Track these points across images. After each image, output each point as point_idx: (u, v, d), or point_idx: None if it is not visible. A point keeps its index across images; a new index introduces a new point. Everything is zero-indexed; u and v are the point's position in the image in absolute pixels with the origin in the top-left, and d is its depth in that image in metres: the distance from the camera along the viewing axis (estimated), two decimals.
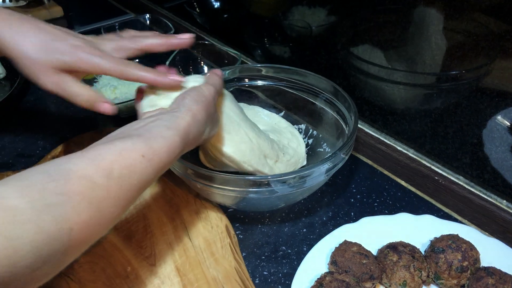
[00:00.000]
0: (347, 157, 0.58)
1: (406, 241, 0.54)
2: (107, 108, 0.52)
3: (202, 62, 0.91)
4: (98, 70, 0.49)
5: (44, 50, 0.48)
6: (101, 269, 0.53)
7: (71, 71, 0.50)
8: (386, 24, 0.74)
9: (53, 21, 1.20)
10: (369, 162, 0.71)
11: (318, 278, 0.49)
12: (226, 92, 0.60)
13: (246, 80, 0.74)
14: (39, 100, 0.90)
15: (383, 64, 0.72)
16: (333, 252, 0.52)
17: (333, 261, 0.51)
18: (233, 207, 0.60)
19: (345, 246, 0.52)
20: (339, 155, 0.56)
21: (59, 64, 0.48)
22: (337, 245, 0.53)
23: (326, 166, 0.55)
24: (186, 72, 0.87)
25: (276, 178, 0.54)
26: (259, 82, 0.74)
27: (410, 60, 0.68)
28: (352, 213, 0.62)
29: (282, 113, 0.74)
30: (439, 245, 0.51)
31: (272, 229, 0.61)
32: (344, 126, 0.64)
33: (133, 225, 0.58)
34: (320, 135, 0.69)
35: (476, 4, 0.57)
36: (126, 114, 0.82)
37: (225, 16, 1.17)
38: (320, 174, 0.55)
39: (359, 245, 0.53)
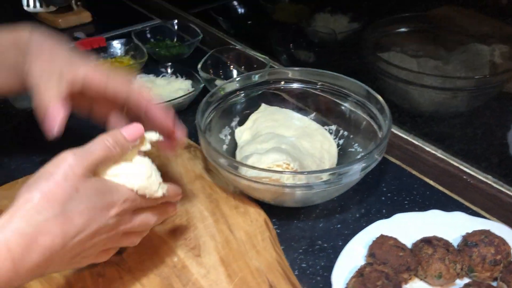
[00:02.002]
0: (380, 158, 0.61)
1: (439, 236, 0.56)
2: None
3: (231, 66, 0.94)
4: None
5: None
6: (149, 259, 0.55)
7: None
8: (416, 31, 0.77)
9: (81, 26, 1.25)
10: (398, 162, 0.74)
11: (358, 269, 0.51)
12: None
13: (276, 83, 0.77)
14: None
15: (412, 68, 0.75)
16: (370, 245, 0.55)
17: (371, 254, 0.54)
18: (271, 203, 0.63)
19: (382, 240, 0.55)
20: (373, 156, 0.59)
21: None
22: (374, 239, 0.56)
23: (361, 164, 0.58)
24: (216, 75, 0.90)
25: (314, 174, 0.57)
26: (289, 85, 0.77)
27: (440, 65, 0.71)
28: (384, 210, 0.65)
29: (312, 115, 0.77)
30: (472, 239, 0.54)
31: (307, 225, 0.63)
32: (375, 127, 0.67)
33: (177, 218, 0.61)
34: (351, 136, 0.72)
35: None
36: None
37: (249, 22, 1.21)
38: (355, 172, 0.58)
39: (395, 239, 0.55)
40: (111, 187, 0.43)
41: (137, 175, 0.46)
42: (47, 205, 0.37)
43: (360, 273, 0.50)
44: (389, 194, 0.68)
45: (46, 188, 0.38)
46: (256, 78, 0.76)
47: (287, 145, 0.68)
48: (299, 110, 0.77)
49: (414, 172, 0.72)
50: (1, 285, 0.34)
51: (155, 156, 0.72)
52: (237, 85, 0.74)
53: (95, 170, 0.43)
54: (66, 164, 0.40)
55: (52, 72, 0.50)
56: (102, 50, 1.01)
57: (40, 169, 0.40)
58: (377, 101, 0.67)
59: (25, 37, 0.54)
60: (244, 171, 0.58)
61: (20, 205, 0.37)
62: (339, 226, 0.63)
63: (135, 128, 0.46)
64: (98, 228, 0.41)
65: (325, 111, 0.75)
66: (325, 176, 0.57)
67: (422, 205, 0.66)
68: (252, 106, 0.77)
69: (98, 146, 0.42)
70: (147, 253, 0.56)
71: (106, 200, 0.41)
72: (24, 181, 0.64)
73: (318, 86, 0.74)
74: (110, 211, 0.42)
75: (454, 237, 0.58)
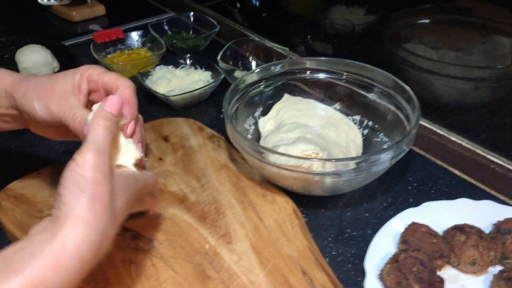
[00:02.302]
0: (407, 149, 0.60)
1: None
2: None
3: (250, 58, 0.94)
4: None
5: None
6: (180, 246, 0.55)
7: None
8: (435, 23, 0.77)
9: (95, 19, 1.24)
10: (422, 152, 0.73)
11: (392, 255, 0.51)
12: None
13: (298, 73, 0.77)
14: None
15: (435, 58, 0.75)
16: (403, 232, 0.55)
17: (404, 240, 0.54)
18: (299, 191, 0.63)
19: (414, 227, 0.55)
20: (401, 146, 0.59)
21: None
22: (405, 227, 0.56)
23: (391, 153, 0.58)
24: (235, 67, 0.90)
25: (344, 162, 0.57)
26: (312, 76, 0.76)
27: (461, 56, 0.71)
28: (411, 199, 0.65)
29: (335, 105, 0.76)
30: (505, 226, 0.54)
31: (335, 214, 0.63)
32: (402, 117, 0.66)
33: (205, 206, 0.61)
34: (376, 126, 0.71)
35: None
36: (181, 106, 0.85)
37: (264, 15, 1.20)
38: (385, 161, 0.58)
39: (427, 226, 0.55)
40: (130, 178, 0.44)
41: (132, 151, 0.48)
42: (103, 209, 0.37)
43: (394, 259, 0.50)
44: (415, 184, 0.68)
45: (95, 193, 0.37)
46: (278, 68, 0.76)
47: (312, 134, 0.68)
48: (322, 100, 0.77)
49: (439, 162, 0.71)
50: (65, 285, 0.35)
51: (179, 145, 0.72)
52: (260, 75, 0.74)
53: None
54: (96, 165, 0.38)
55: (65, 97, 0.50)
56: (119, 42, 1.01)
57: (68, 170, 0.38)
58: (404, 91, 0.66)
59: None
60: (274, 158, 0.57)
61: (79, 214, 0.36)
62: (367, 215, 0.63)
63: (112, 100, 0.46)
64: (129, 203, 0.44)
65: (349, 101, 0.75)
66: (355, 164, 0.57)
67: (449, 195, 0.65)
68: (274, 96, 0.77)
69: (100, 133, 0.42)
70: (178, 241, 0.56)
71: (134, 191, 0.44)
72: (50, 170, 0.65)
73: (343, 76, 0.73)
74: (137, 203, 0.47)
75: (484, 225, 0.57)
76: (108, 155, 0.41)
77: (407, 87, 0.66)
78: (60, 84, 0.50)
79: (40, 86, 0.50)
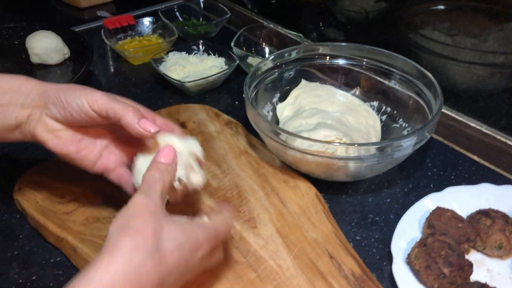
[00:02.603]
0: (429, 136, 0.60)
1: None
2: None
3: (263, 44, 0.93)
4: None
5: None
6: None
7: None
8: (450, 10, 0.76)
9: (103, 5, 1.23)
10: (440, 139, 0.73)
11: (420, 239, 0.51)
12: None
13: (316, 59, 0.76)
14: (105, 84, 0.93)
15: (449, 43, 0.74)
16: (428, 217, 0.55)
17: (430, 225, 0.54)
18: (320, 177, 0.62)
19: (440, 211, 0.55)
20: (423, 133, 0.58)
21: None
22: (430, 211, 0.56)
23: (414, 139, 0.57)
24: (249, 53, 0.89)
25: (368, 146, 0.57)
26: (331, 61, 0.76)
27: (477, 42, 0.70)
28: (432, 185, 0.65)
29: (353, 91, 0.76)
30: None
31: (356, 199, 0.63)
32: (422, 103, 0.66)
33: (227, 192, 0.61)
34: (395, 112, 0.71)
35: None
36: (195, 93, 0.84)
37: (274, 1, 1.19)
38: (408, 147, 0.58)
39: (452, 211, 0.55)
40: (194, 226, 0.42)
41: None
42: (143, 244, 0.36)
43: (423, 243, 0.50)
44: (434, 170, 0.68)
45: (136, 227, 0.37)
46: (294, 54, 0.75)
47: (332, 120, 0.67)
48: (339, 86, 0.76)
49: (457, 148, 0.71)
50: None
51: (198, 132, 0.72)
52: (276, 61, 0.73)
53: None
54: (143, 204, 0.39)
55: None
56: (130, 29, 1.00)
57: (118, 215, 0.39)
58: (424, 77, 0.66)
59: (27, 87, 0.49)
60: (298, 143, 0.57)
61: (118, 245, 0.36)
62: (388, 200, 0.63)
63: (167, 150, 0.45)
64: (187, 269, 0.40)
65: (367, 88, 0.74)
66: (377, 149, 0.57)
67: (469, 180, 0.66)
68: (292, 82, 0.76)
69: (154, 185, 0.42)
70: None
71: (192, 238, 0.40)
72: None
73: (362, 63, 0.73)
74: (198, 251, 0.41)
75: (508, 209, 0.57)
76: (160, 200, 0.41)
77: (428, 73, 0.66)
78: None
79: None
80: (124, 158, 0.52)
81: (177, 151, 0.46)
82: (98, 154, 0.51)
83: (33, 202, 0.58)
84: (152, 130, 0.46)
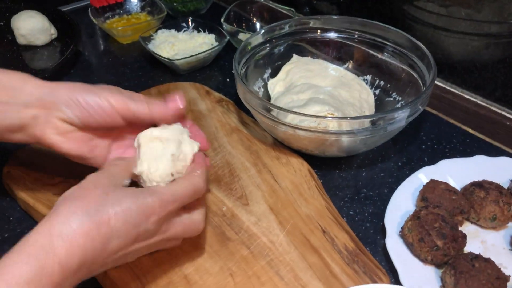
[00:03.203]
0: (422, 108, 0.59)
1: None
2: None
3: (254, 19, 0.91)
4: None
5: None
6: None
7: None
8: None
9: None
10: (435, 112, 0.72)
11: (414, 212, 0.51)
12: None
13: (307, 33, 0.75)
14: (94, 65, 0.91)
15: (443, 13, 0.72)
16: (421, 190, 0.54)
17: (424, 198, 0.53)
18: (313, 152, 0.62)
19: (433, 184, 0.54)
20: (416, 105, 0.57)
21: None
22: (423, 184, 0.55)
23: (407, 111, 0.57)
24: (239, 29, 0.87)
25: (361, 120, 0.56)
26: (321, 35, 0.74)
27: (471, 12, 0.68)
28: (426, 158, 0.64)
29: (345, 65, 0.75)
30: None
31: (350, 174, 0.63)
32: (415, 75, 0.65)
33: (219, 170, 0.60)
34: (388, 85, 0.70)
35: None
36: (185, 71, 0.83)
37: None
38: (401, 119, 0.57)
39: (446, 183, 0.55)
40: (145, 192, 0.40)
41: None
42: (81, 208, 0.37)
43: (416, 216, 0.50)
44: (428, 143, 0.67)
45: (78, 194, 0.38)
46: (286, 28, 0.73)
47: (325, 95, 0.66)
48: (332, 60, 0.75)
49: (452, 121, 0.70)
50: None
51: (188, 110, 0.71)
52: (266, 36, 0.72)
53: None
54: (92, 178, 0.41)
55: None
56: (118, 7, 0.98)
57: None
58: (418, 49, 0.65)
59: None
60: (289, 119, 0.56)
61: (58, 210, 0.37)
62: (382, 174, 0.62)
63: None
64: (137, 234, 0.39)
65: (360, 61, 0.73)
66: (369, 123, 0.56)
67: (463, 153, 0.65)
68: (283, 57, 0.75)
69: (114, 163, 0.44)
70: None
71: (141, 204, 0.39)
72: None
73: (354, 36, 0.72)
74: (150, 216, 0.40)
75: (502, 181, 0.57)
76: (113, 177, 0.41)
77: (421, 45, 0.64)
78: None
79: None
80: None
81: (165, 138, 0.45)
82: (108, 150, 0.49)
83: (22, 184, 0.58)
84: (181, 106, 0.47)
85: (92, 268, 0.38)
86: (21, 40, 0.89)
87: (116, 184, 0.41)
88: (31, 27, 0.87)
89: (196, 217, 0.45)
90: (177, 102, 0.47)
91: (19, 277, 0.33)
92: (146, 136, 0.45)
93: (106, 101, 0.44)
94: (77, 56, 0.90)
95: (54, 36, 0.91)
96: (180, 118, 0.49)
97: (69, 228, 0.35)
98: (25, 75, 0.46)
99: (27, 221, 0.57)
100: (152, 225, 0.40)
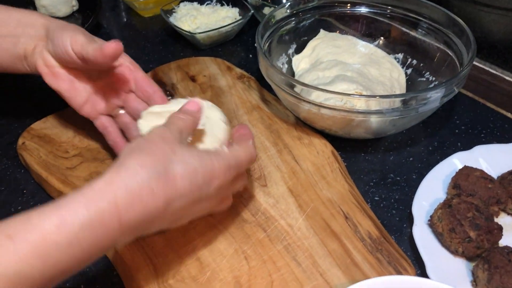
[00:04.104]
0: (458, 90, 0.55)
1: None
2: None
3: None
4: None
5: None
6: None
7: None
8: None
9: None
10: (470, 94, 0.67)
11: (444, 200, 0.47)
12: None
13: (334, 7, 0.70)
14: (114, 38, 0.89)
15: None
16: (454, 176, 0.50)
17: (456, 185, 0.49)
18: (338, 133, 0.58)
19: (467, 171, 0.50)
20: (451, 86, 0.53)
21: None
22: (455, 171, 0.51)
23: (441, 92, 0.52)
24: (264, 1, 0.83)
25: (392, 99, 0.52)
26: (352, 9, 0.70)
27: None
28: (459, 143, 0.60)
29: (376, 42, 0.70)
30: None
31: (376, 157, 0.59)
32: (452, 54, 0.60)
33: None
34: (421, 65, 0.65)
35: None
36: (207, 45, 0.80)
37: None
38: (435, 100, 0.53)
39: (481, 170, 0.50)
40: (211, 155, 0.39)
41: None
42: (150, 163, 0.35)
43: (447, 204, 0.46)
44: (463, 127, 0.62)
45: (146, 147, 0.37)
46: (313, 1, 0.69)
47: (353, 72, 0.62)
48: (361, 37, 0.70)
49: (489, 104, 0.66)
50: (107, 242, 0.33)
51: (208, 86, 0.68)
52: (292, 9, 0.68)
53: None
54: (158, 132, 0.39)
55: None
56: None
57: (133, 140, 0.39)
58: (455, 24, 0.60)
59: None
60: (314, 96, 0.53)
61: (125, 162, 0.35)
62: (411, 159, 0.58)
63: (194, 102, 0.45)
64: (200, 196, 0.38)
65: (392, 38, 0.68)
66: (401, 102, 0.52)
67: (501, 139, 0.60)
68: (309, 32, 0.71)
69: (173, 120, 0.41)
70: None
71: (208, 166, 0.38)
72: (73, 110, 0.62)
73: (387, 11, 0.67)
74: (213, 180, 0.39)
75: None
76: (177, 133, 0.39)
77: (460, 21, 0.59)
78: None
79: None
80: (108, 109, 0.53)
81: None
82: (85, 98, 0.52)
83: (36, 156, 0.56)
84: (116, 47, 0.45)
85: (148, 227, 0.36)
86: (42, 11, 0.87)
87: (181, 141, 0.39)
88: None
89: (240, 184, 0.45)
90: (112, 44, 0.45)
91: (75, 216, 0.31)
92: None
93: (67, 39, 0.47)
94: (98, 29, 0.88)
95: (75, 8, 0.90)
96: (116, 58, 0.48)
97: (134, 182, 0.34)
98: (36, 13, 0.53)
99: (41, 194, 0.55)
100: (213, 189, 0.39)
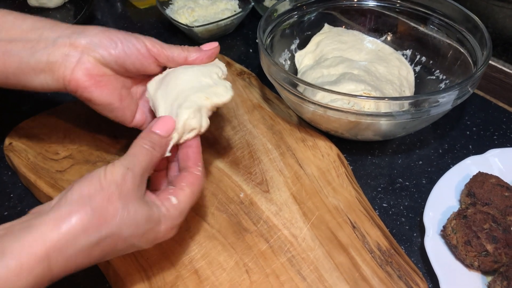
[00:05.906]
0: (472, 91, 0.52)
1: None
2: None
3: None
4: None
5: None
6: (211, 194, 0.49)
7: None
8: None
9: None
10: (481, 93, 0.64)
11: (459, 209, 0.44)
12: None
13: (338, 1, 0.67)
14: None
15: None
16: (468, 183, 0.47)
17: (470, 193, 0.46)
18: (344, 136, 0.55)
19: (482, 178, 0.47)
20: (466, 87, 0.50)
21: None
22: (468, 177, 0.48)
23: (455, 94, 0.49)
24: None
25: (402, 101, 0.49)
26: (358, 3, 0.66)
27: None
28: (470, 146, 0.57)
29: (383, 38, 0.67)
30: None
31: (384, 161, 0.56)
32: (464, 51, 0.57)
33: (238, 151, 0.54)
34: (431, 62, 0.62)
35: None
36: (205, 40, 0.76)
37: None
38: (447, 103, 0.50)
39: (497, 177, 0.47)
40: (160, 214, 0.36)
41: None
42: (96, 227, 0.33)
43: (462, 215, 0.43)
44: (474, 129, 0.60)
45: (99, 206, 0.33)
46: None
47: (360, 70, 0.59)
48: (367, 32, 0.67)
49: (501, 105, 0.63)
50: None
51: None
52: (295, 2, 0.64)
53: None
54: (119, 179, 0.34)
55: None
56: None
57: (95, 172, 0.35)
58: (469, 20, 0.56)
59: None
60: (319, 97, 0.49)
61: (70, 216, 0.32)
62: (420, 163, 0.55)
63: (165, 122, 0.40)
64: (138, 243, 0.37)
65: (400, 34, 0.65)
66: (412, 105, 0.49)
67: None
68: (313, 27, 0.68)
69: (140, 155, 0.37)
70: (209, 188, 0.50)
71: (153, 230, 0.36)
72: (64, 109, 0.58)
73: (395, 4, 0.64)
74: (155, 239, 0.38)
75: None
76: (139, 179, 0.36)
77: (474, 17, 0.56)
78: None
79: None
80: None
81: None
82: (136, 104, 0.47)
83: (24, 158, 0.53)
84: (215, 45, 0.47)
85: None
86: (32, 2, 0.84)
87: (140, 186, 0.36)
88: None
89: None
90: (210, 44, 0.47)
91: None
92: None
93: (143, 43, 0.43)
94: (90, 20, 0.84)
95: None
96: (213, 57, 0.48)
97: (70, 245, 0.32)
98: (54, 21, 0.44)
99: (29, 199, 0.52)
100: (160, 233, 0.38)
